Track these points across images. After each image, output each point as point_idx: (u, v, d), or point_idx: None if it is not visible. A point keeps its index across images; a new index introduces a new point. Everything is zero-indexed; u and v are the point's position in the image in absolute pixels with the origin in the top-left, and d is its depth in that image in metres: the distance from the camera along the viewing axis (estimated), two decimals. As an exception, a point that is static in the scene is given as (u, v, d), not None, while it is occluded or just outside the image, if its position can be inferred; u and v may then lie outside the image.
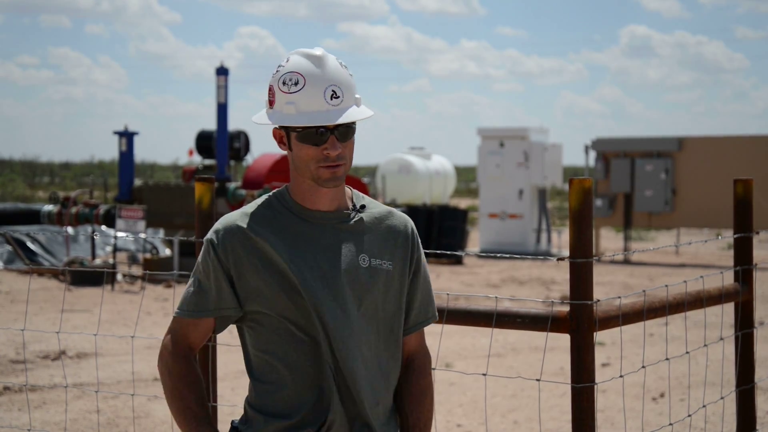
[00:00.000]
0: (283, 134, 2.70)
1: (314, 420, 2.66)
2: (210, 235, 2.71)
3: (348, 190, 2.78)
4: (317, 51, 2.67)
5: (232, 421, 2.78)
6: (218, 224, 2.72)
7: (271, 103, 2.69)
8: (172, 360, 2.71)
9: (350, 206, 2.76)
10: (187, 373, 2.70)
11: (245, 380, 8.26)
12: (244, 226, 2.68)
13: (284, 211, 2.71)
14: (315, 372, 2.66)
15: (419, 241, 2.84)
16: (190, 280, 2.73)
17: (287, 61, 2.68)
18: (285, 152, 2.75)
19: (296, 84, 2.63)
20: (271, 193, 2.77)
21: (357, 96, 2.70)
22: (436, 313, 2.91)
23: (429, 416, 2.84)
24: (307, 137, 2.64)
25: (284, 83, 2.65)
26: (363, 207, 2.77)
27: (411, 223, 2.83)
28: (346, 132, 2.66)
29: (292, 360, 2.67)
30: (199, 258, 2.73)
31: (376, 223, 2.76)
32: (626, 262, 21.14)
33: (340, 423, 2.67)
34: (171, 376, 2.70)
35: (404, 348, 2.84)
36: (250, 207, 2.74)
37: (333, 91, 2.64)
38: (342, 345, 2.65)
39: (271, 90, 2.69)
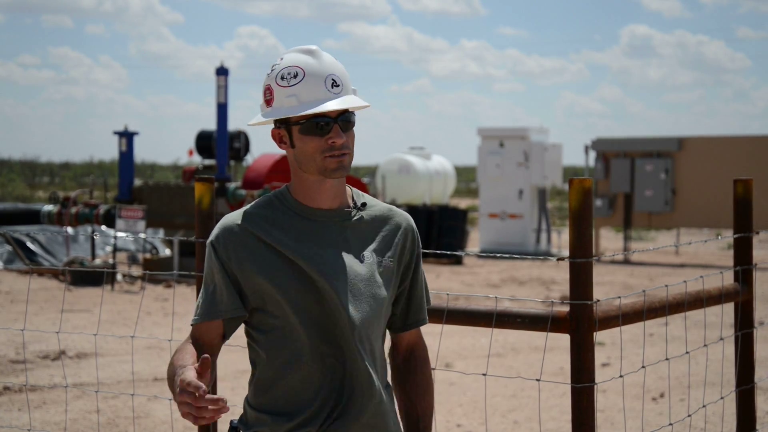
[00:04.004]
0: (284, 133, 2.67)
1: (316, 418, 2.64)
2: (211, 237, 2.69)
3: (348, 188, 2.78)
4: (310, 46, 2.67)
5: (231, 421, 2.75)
6: (218, 226, 2.70)
7: (268, 102, 2.67)
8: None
9: (351, 204, 2.75)
10: (181, 348, 2.63)
11: (245, 380, 8.26)
12: (245, 225, 2.66)
13: (286, 210, 2.70)
14: (316, 370, 2.65)
15: (419, 239, 2.85)
16: (202, 287, 2.71)
17: (281, 59, 2.67)
18: (285, 152, 2.74)
19: (296, 76, 2.62)
20: (271, 193, 2.75)
21: (353, 88, 2.70)
22: (431, 301, 2.93)
23: (432, 405, 2.87)
24: (311, 128, 2.61)
25: (282, 78, 2.63)
26: (364, 205, 2.77)
27: (411, 221, 2.83)
28: (347, 122, 2.65)
29: (294, 358, 2.65)
30: (205, 263, 2.71)
31: (377, 220, 2.76)
32: (626, 262, 21.14)
33: (342, 420, 2.65)
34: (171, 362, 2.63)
35: (405, 341, 2.86)
36: (250, 207, 2.72)
37: (333, 79, 2.63)
38: (349, 340, 2.64)
39: (268, 89, 2.66)
